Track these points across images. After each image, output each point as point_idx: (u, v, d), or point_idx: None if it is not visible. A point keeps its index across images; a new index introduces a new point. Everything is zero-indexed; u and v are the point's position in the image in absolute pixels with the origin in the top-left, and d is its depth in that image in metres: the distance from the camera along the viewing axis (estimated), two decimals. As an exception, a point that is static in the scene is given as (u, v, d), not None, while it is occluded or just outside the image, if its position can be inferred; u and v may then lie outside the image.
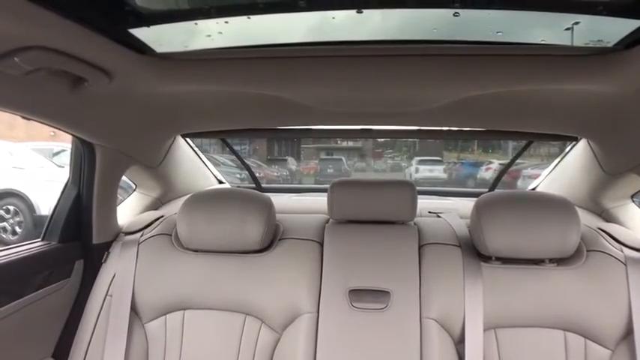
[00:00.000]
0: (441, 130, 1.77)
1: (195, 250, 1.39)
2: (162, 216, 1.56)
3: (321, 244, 1.42)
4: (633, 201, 1.64)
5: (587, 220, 1.51)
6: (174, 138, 1.75)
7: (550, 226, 1.23)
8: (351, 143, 18.49)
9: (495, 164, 11.38)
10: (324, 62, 1.16)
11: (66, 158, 4.09)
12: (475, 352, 1.18)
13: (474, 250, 1.34)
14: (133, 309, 1.33)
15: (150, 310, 1.34)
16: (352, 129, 1.89)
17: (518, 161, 2.33)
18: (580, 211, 1.31)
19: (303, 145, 18.13)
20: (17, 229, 5.53)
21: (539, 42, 1.08)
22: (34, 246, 1.33)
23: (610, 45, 1.05)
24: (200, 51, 1.17)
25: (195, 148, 2.00)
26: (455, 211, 1.72)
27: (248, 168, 2.36)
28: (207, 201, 1.39)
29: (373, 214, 1.46)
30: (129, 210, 1.75)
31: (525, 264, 1.29)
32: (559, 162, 1.87)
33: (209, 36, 1.09)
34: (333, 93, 1.26)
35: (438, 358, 1.20)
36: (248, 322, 1.31)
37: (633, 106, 1.18)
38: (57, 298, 1.34)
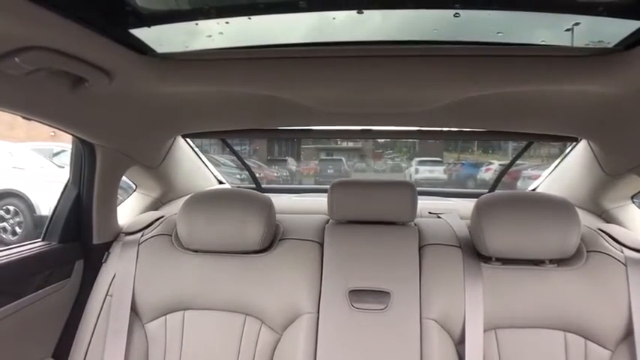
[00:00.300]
0: (441, 130, 1.77)
1: (196, 251, 1.39)
2: (162, 216, 1.56)
3: (322, 245, 1.42)
4: (633, 202, 1.64)
5: (587, 220, 1.51)
6: (175, 138, 1.75)
7: (550, 226, 1.23)
8: (351, 144, 18.48)
9: (495, 165, 11.38)
10: (325, 63, 1.16)
11: (66, 158, 4.10)
12: (475, 353, 1.18)
13: (474, 251, 1.34)
14: (133, 309, 1.33)
15: (150, 310, 1.34)
16: (352, 129, 1.90)
17: (518, 162, 2.33)
18: (580, 212, 1.31)
19: (303, 146, 18.12)
20: (17, 229, 5.53)
21: (539, 43, 1.08)
22: (35, 246, 1.33)
23: (610, 46, 1.05)
24: (200, 51, 1.17)
25: (196, 149, 2.00)
26: (455, 211, 1.72)
27: (248, 168, 2.36)
28: (207, 201, 1.39)
29: (373, 214, 1.46)
30: (129, 210, 1.75)
31: (526, 265, 1.29)
32: (559, 163, 1.87)
33: (210, 36, 1.09)
34: (334, 93, 1.26)
35: (438, 359, 1.20)
36: (248, 322, 1.31)
37: (633, 107, 1.18)
38: (57, 299, 1.34)
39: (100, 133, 1.33)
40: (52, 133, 7.11)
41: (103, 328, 1.32)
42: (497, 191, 2.02)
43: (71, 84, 1.07)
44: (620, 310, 1.20)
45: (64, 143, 6.54)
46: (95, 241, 1.44)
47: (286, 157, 16.08)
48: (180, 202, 1.47)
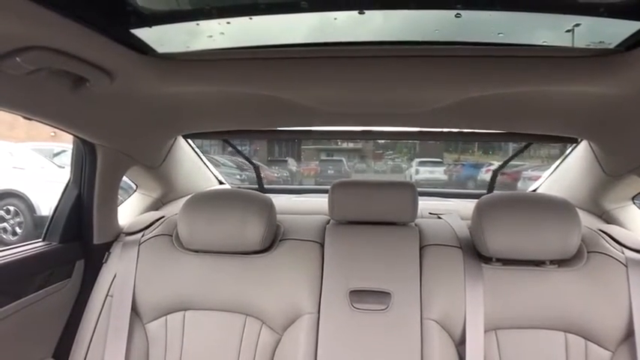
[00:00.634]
0: (441, 131, 1.77)
1: (196, 251, 1.39)
2: (163, 216, 1.56)
3: (322, 245, 1.42)
4: (634, 202, 1.64)
5: (587, 221, 1.51)
6: (176, 138, 1.75)
7: (551, 227, 1.23)
8: (351, 144, 18.47)
9: (495, 166, 11.34)
10: (326, 63, 1.16)
11: (66, 159, 4.09)
12: (476, 354, 1.18)
13: (474, 252, 1.34)
14: (134, 309, 1.33)
15: (150, 310, 1.34)
16: (353, 130, 1.89)
17: (519, 162, 2.34)
18: (581, 213, 1.31)
19: (303, 146, 18.10)
20: (17, 229, 5.53)
21: (540, 43, 1.08)
22: (35, 246, 1.33)
23: (611, 46, 1.05)
24: (202, 51, 1.17)
25: (196, 149, 2.00)
26: (456, 212, 1.72)
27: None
28: (208, 201, 1.39)
29: (374, 215, 1.46)
30: (130, 210, 1.75)
31: (526, 265, 1.28)
32: (560, 163, 1.87)
33: (211, 36, 1.09)
34: (335, 94, 1.26)
35: None
36: (249, 322, 1.31)
37: (634, 108, 1.18)
38: (58, 299, 1.34)
39: (101, 133, 1.33)
40: (53, 133, 7.10)
41: (103, 328, 1.32)
42: (497, 192, 2.02)
43: (72, 84, 1.07)
44: (620, 311, 1.20)
45: (64, 143, 6.54)
46: (96, 241, 1.44)
47: (287, 158, 16.06)
48: (181, 202, 1.47)
